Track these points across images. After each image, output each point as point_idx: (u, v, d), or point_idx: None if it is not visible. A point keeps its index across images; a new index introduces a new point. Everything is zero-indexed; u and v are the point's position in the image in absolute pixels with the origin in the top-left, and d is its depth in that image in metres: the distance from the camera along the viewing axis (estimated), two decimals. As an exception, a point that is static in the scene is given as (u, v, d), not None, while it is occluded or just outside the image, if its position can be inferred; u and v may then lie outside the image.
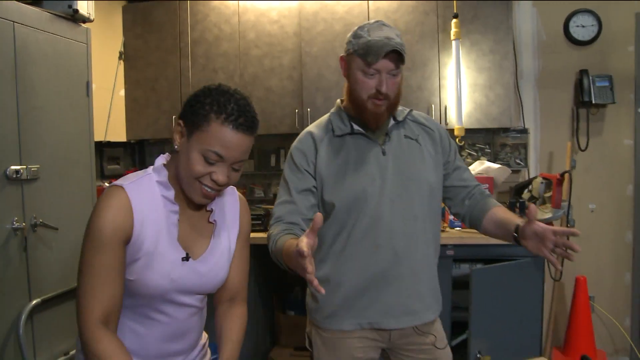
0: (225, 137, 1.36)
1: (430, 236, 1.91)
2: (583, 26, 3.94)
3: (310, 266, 1.36)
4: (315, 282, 1.37)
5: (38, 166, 2.60)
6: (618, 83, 3.89)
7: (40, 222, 2.60)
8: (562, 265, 3.65)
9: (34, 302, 2.56)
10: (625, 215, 4.06)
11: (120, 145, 4.28)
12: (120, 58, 4.20)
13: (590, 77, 3.84)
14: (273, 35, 4.01)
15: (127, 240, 1.38)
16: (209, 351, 1.76)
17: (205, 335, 1.75)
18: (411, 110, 1.97)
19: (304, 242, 1.36)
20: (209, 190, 1.41)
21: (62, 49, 2.69)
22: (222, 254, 1.56)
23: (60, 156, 2.69)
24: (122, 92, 4.23)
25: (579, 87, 3.90)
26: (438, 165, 1.93)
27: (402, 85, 1.85)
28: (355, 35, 1.79)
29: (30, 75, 2.56)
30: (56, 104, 2.68)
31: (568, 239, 1.59)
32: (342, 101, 1.93)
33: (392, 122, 1.89)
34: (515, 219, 1.77)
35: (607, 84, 3.83)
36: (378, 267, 1.84)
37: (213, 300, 1.67)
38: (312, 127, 1.95)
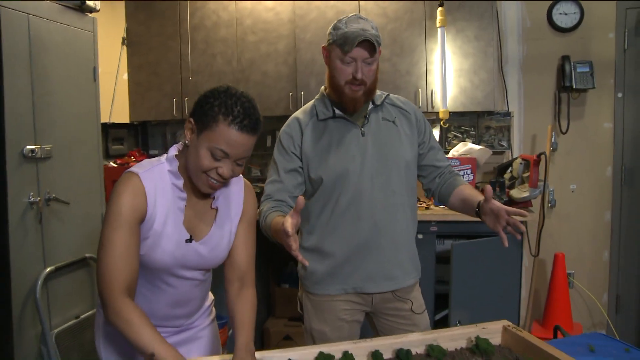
0: (231, 137, 1.50)
1: (407, 208, 2.12)
2: (566, 14, 4.14)
3: (294, 244, 1.58)
4: (300, 256, 1.60)
5: (51, 146, 2.85)
6: (598, 69, 4.09)
7: (53, 196, 2.85)
8: (538, 246, 3.93)
9: (48, 269, 2.83)
10: (604, 196, 4.28)
11: (124, 126, 4.51)
12: (123, 44, 4.42)
13: (572, 63, 4.04)
14: (268, 22, 4.22)
15: (141, 220, 1.58)
16: (213, 310, 1.98)
17: (210, 297, 1.96)
18: (388, 95, 2.16)
19: (289, 223, 1.56)
20: (214, 182, 1.59)
21: (71, 37, 2.92)
22: (223, 238, 1.72)
23: (70, 137, 2.94)
24: (125, 76, 4.45)
25: (561, 73, 4.11)
26: (413, 144, 2.13)
27: (378, 72, 2.03)
28: (335, 27, 1.98)
29: (43, 63, 2.79)
30: (66, 89, 2.91)
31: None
32: (325, 88, 2.12)
33: (370, 105, 2.09)
34: (478, 197, 1.99)
35: (587, 69, 4.04)
36: (360, 237, 2.05)
37: (224, 281, 1.79)
38: (298, 113, 2.15)
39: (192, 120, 1.56)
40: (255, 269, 1.85)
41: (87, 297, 3.11)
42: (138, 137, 4.84)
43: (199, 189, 1.61)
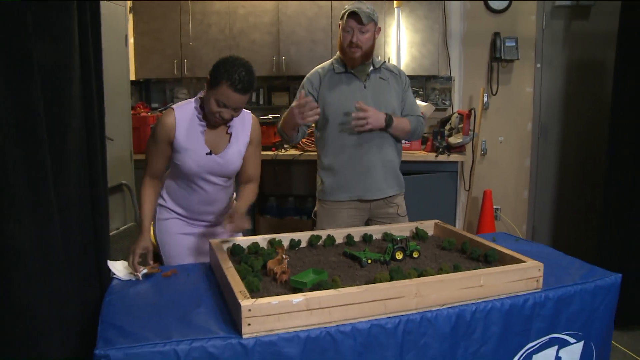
0: (229, 95, 2.10)
1: (392, 142, 2.81)
2: (498, -2, 4.84)
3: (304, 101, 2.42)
4: (308, 99, 2.44)
5: (100, 96, 3.43)
6: (522, 44, 4.80)
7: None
8: (470, 183, 4.71)
9: (94, 191, 3.45)
10: (525, 146, 5.05)
11: (131, 83, 5.05)
12: (129, 12, 4.94)
13: (502, 39, 4.75)
14: None
15: (170, 141, 2.24)
16: None
17: (234, 203, 2.59)
18: (385, 62, 2.84)
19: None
20: (219, 119, 2.23)
21: (109, 10, 3.45)
22: (234, 153, 2.32)
23: (110, 90, 3.49)
24: (131, 40, 4.98)
25: (493, 46, 4.83)
26: (399, 97, 2.81)
27: (374, 42, 2.67)
28: (344, 8, 2.65)
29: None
30: (106, 53, 3.45)
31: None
32: (338, 53, 2.77)
33: (371, 68, 2.75)
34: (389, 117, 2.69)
35: (514, 44, 4.76)
36: (363, 158, 2.73)
37: (238, 183, 2.47)
38: (318, 67, 2.81)
39: (209, 77, 2.15)
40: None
41: (122, 214, 3.74)
42: (142, 92, 5.38)
43: (210, 121, 2.26)
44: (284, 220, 5.03)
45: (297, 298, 1.54)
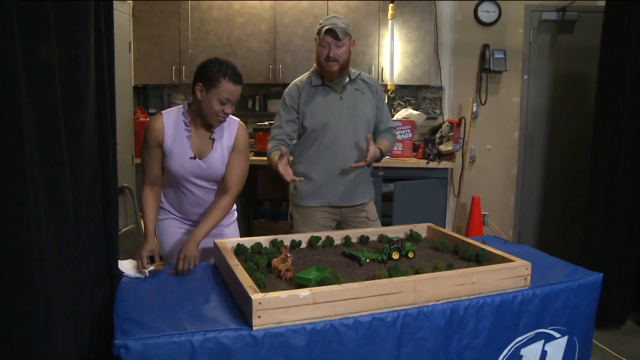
0: (230, 88, 2.20)
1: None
2: (488, 11, 4.99)
3: (288, 178, 2.47)
4: (296, 179, 2.47)
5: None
6: (510, 56, 4.95)
7: (105, 139, 3.52)
8: (459, 189, 4.83)
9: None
10: (512, 154, 5.19)
11: (129, 88, 5.12)
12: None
13: (491, 50, 4.90)
14: (253, 7, 4.89)
15: (160, 144, 2.31)
16: (235, 213, 2.68)
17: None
18: (360, 73, 2.90)
19: (283, 173, 2.48)
20: (222, 118, 2.32)
21: (114, 18, 3.55)
22: (217, 158, 2.36)
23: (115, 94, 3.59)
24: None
25: (482, 57, 4.97)
26: (374, 108, 2.88)
27: (350, 54, 2.74)
28: (319, 24, 2.73)
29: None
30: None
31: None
32: (315, 66, 2.84)
33: (347, 79, 2.82)
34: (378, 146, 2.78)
35: (502, 56, 4.90)
36: (335, 167, 2.80)
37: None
38: (297, 81, 2.86)
39: (200, 84, 2.23)
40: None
41: (123, 216, 3.79)
42: (140, 98, 5.41)
43: (212, 124, 2.31)
44: (277, 224, 5.11)
45: (304, 292, 1.64)
